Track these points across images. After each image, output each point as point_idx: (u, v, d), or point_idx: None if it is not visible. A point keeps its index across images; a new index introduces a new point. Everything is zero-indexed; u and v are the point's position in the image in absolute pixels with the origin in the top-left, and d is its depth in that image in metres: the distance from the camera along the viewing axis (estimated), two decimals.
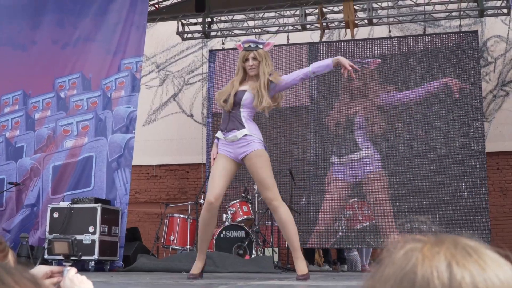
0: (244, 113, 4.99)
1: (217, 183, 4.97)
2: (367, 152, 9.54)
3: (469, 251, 0.64)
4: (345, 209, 9.47)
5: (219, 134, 5.10)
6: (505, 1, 9.92)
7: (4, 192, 8.15)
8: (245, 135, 4.95)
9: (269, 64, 5.02)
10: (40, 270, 1.65)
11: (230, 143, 4.99)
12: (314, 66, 5.10)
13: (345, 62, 5.00)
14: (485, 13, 10.16)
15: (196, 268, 5.15)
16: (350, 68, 4.97)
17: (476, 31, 9.99)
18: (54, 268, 1.67)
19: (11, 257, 1.40)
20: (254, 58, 5.01)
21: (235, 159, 5.01)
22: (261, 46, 5.06)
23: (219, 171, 5.00)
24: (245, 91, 4.99)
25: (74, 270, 1.61)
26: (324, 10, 10.69)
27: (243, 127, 4.97)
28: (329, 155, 9.77)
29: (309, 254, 9.55)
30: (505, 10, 10.09)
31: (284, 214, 4.94)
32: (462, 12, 10.33)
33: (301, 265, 4.94)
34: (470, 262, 0.62)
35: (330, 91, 9.98)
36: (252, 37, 11.25)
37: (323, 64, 5.10)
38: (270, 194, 4.94)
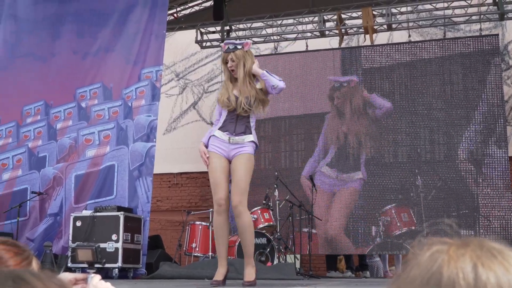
0: (252, 119, 5.09)
1: (221, 185, 5.02)
2: (364, 175, 9.62)
3: (494, 253, 0.64)
4: (382, 216, 9.45)
5: (219, 134, 5.08)
6: None
7: (28, 202, 8.22)
8: (251, 141, 5.03)
9: (248, 63, 5.07)
10: (64, 277, 1.66)
11: (226, 143, 5.02)
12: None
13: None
14: (505, 16, 10.08)
15: (219, 274, 5.14)
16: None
17: (497, 35, 9.93)
18: (78, 275, 1.69)
19: (35, 265, 1.42)
20: (232, 60, 5.08)
21: (227, 157, 5.04)
22: (239, 47, 5.13)
23: (219, 172, 5.02)
24: (247, 97, 5.04)
25: (98, 277, 1.62)
26: (343, 16, 10.68)
27: (250, 133, 5.05)
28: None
29: (331, 261, 9.52)
30: None
31: (247, 221, 5.02)
32: (482, 16, 10.27)
33: (249, 272, 5.05)
34: (495, 263, 0.63)
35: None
36: (271, 44, 11.30)
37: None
38: (240, 197, 4.93)
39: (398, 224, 9.38)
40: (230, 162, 5.05)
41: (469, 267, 0.62)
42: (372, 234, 9.50)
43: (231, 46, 5.15)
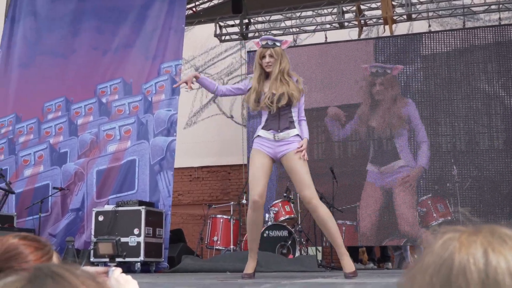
0: (295, 113, 5.06)
1: (259, 181, 4.98)
2: (407, 161, 9.50)
3: (505, 239, 0.65)
4: (419, 207, 9.40)
5: (263, 133, 5.09)
6: None
7: (50, 197, 8.27)
8: (296, 135, 5.00)
9: (286, 61, 5.08)
10: None
11: (272, 141, 5.00)
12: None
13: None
14: None
15: (249, 267, 5.16)
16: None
17: None
18: (99, 269, 1.68)
19: (55, 259, 1.42)
20: (271, 56, 5.05)
21: (273, 156, 5.04)
22: (278, 44, 5.12)
23: (259, 169, 5.01)
24: (283, 93, 5.00)
25: (119, 270, 1.61)
26: (362, 7, 10.62)
27: (294, 127, 5.02)
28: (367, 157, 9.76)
29: (353, 253, 9.50)
30: None
31: (324, 212, 4.95)
32: (501, 5, 10.15)
33: (348, 262, 4.97)
34: (506, 248, 0.63)
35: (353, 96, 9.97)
36: (290, 36, 11.27)
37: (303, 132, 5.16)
38: (309, 192, 4.91)
39: (434, 215, 9.32)
40: (274, 161, 5.08)
41: (480, 252, 0.63)
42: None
43: (270, 42, 5.13)
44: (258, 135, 5.11)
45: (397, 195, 9.46)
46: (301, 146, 4.92)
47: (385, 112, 9.75)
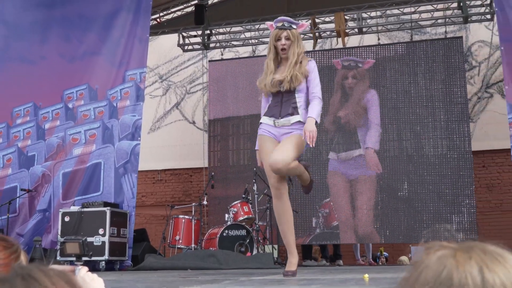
0: (299, 98, 4.52)
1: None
2: (365, 150, 9.58)
3: (496, 257, 0.67)
4: (322, 208, 9.50)
5: (265, 119, 4.60)
6: (488, 7, 9.92)
7: (17, 199, 8.14)
8: (298, 121, 4.48)
9: (301, 45, 4.58)
10: None
11: (273, 127, 4.54)
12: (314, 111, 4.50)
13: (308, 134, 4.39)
14: (469, 19, 10.16)
15: (291, 264, 4.57)
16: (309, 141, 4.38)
17: (461, 37, 10.00)
18: (66, 267, 1.66)
19: (23, 258, 1.40)
20: (287, 38, 4.54)
21: (277, 139, 4.53)
22: (294, 27, 4.60)
23: (269, 148, 4.48)
24: (291, 76, 4.49)
25: (85, 268, 1.60)
26: (317, 20, 10.71)
27: (298, 113, 4.49)
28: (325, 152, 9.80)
29: (306, 251, 9.55)
30: (488, 16, 10.08)
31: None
32: (447, 19, 10.35)
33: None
34: (499, 266, 0.65)
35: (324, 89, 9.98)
36: (249, 47, 11.28)
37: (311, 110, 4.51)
38: (280, 155, 4.31)
39: (336, 216, 9.47)
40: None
41: (476, 270, 0.65)
42: (313, 226, 9.58)
43: (286, 24, 4.59)
44: (261, 122, 4.64)
45: (359, 192, 9.55)
46: (307, 133, 4.29)
47: (353, 103, 9.81)
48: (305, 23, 4.74)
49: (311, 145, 4.32)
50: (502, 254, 0.68)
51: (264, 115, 4.62)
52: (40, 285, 0.68)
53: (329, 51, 10.50)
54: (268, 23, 4.77)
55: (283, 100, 4.55)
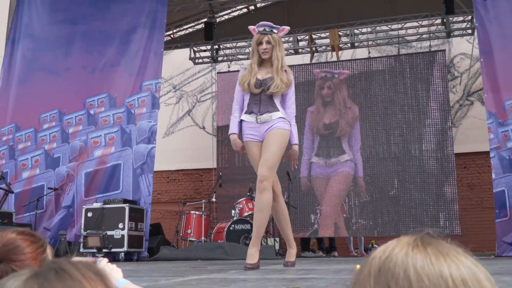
0: (276, 100, 4.34)
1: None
2: (351, 155, 9.53)
3: (440, 249, 0.64)
4: (319, 206, 9.45)
5: (246, 117, 4.37)
6: (469, 23, 9.89)
7: (45, 196, 8.11)
8: (280, 117, 4.29)
9: (282, 49, 4.38)
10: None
11: (255, 123, 4.32)
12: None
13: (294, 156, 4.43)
14: (452, 34, 10.12)
15: (290, 255, 4.50)
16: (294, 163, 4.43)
17: (444, 50, 9.94)
18: (88, 259, 1.64)
19: (49, 251, 1.39)
20: (268, 42, 4.35)
21: (261, 139, 4.33)
22: (275, 31, 4.41)
23: (256, 161, 4.32)
24: (272, 77, 4.33)
25: (105, 260, 1.58)
26: (313, 36, 10.69)
27: (277, 110, 4.31)
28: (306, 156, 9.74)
29: (305, 243, 9.50)
30: (469, 31, 10.05)
31: (268, 199, 4.21)
32: (431, 34, 10.31)
33: (256, 254, 4.29)
34: (441, 259, 0.63)
35: (304, 98, 9.93)
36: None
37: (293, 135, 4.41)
38: (267, 173, 4.16)
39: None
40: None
41: (420, 261, 0.62)
42: (311, 221, 9.52)
43: (267, 29, 4.41)
44: (242, 120, 4.40)
45: (332, 187, 9.50)
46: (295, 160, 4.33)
47: (335, 112, 9.75)
48: (286, 28, 4.50)
49: (295, 167, 4.42)
50: (444, 247, 0.65)
51: (245, 112, 4.39)
52: (71, 277, 0.66)
53: (325, 64, 10.46)
54: (251, 27, 4.57)
55: (262, 99, 4.34)
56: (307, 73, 10.08)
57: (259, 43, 4.38)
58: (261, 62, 4.44)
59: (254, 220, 4.36)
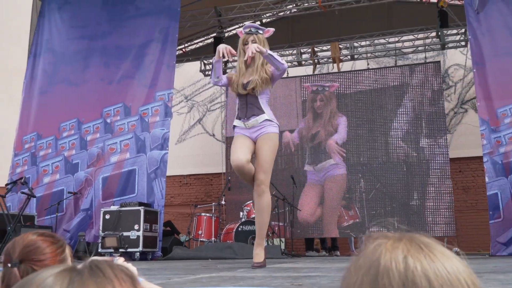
0: (262, 99, 4.24)
1: (239, 150, 4.14)
2: (336, 160, 9.51)
3: (421, 246, 0.62)
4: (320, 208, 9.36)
5: (237, 122, 4.31)
6: (463, 35, 9.85)
7: (65, 200, 8.12)
8: (265, 119, 4.21)
9: (266, 48, 4.17)
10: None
11: (245, 129, 4.25)
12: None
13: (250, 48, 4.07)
14: (446, 46, 10.08)
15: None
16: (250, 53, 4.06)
17: (439, 61, 9.90)
18: (105, 258, 1.63)
19: (68, 251, 1.39)
20: (254, 41, 4.23)
21: (252, 139, 4.25)
22: (261, 32, 4.32)
23: (239, 144, 4.20)
24: (253, 79, 4.21)
25: (122, 259, 1.58)
26: (315, 49, 10.68)
27: (263, 112, 4.21)
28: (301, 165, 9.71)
29: (309, 243, 9.45)
30: (463, 43, 10.00)
31: (265, 201, 4.16)
32: (427, 47, 10.28)
33: (260, 254, 4.20)
34: (422, 255, 0.61)
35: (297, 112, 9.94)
36: None
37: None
38: (263, 176, 4.12)
39: (346, 218, 9.32)
40: (254, 142, 4.23)
41: (401, 257, 0.61)
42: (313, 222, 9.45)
43: (253, 29, 4.31)
44: (234, 125, 4.36)
45: (328, 191, 9.43)
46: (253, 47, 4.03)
47: (324, 123, 9.74)
48: (271, 29, 4.39)
49: (249, 54, 4.03)
50: (428, 244, 0.63)
51: (236, 118, 4.33)
52: (104, 275, 0.64)
53: (326, 75, 10.44)
54: (238, 30, 4.47)
55: (248, 102, 4.24)
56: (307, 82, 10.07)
57: (245, 43, 4.28)
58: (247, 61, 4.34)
59: (256, 222, 4.31)
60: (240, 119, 4.29)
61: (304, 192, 9.51)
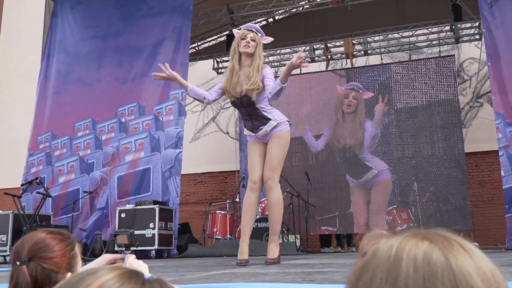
0: (261, 104, 4.19)
1: (256, 166, 4.22)
2: (377, 167, 9.28)
3: (450, 241, 0.56)
4: (386, 215, 9.07)
5: (247, 132, 4.35)
6: (477, 29, 9.76)
7: (80, 199, 8.19)
8: (274, 126, 4.20)
9: (261, 55, 4.21)
10: (105, 257, 1.65)
11: (255, 137, 4.30)
12: (270, 89, 4.08)
13: (294, 61, 3.80)
14: (460, 39, 9.99)
15: (243, 253, 4.21)
16: (299, 60, 3.79)
17: (453, 55, 9.81)
18: (117, 255, 1.67)
19: (77, 249, 1.40)
20: (253, 39, 4.17)
21: (265, 142, 4.28)
22: (260, 34, 4.28)
23: (256, 155, 4.25)
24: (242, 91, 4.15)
25: (133, 256, 1.61)
26: (329, 45, 10.65)
27: (269, 119, 4.20)
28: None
29: (325, 240, 9.44)
30: (477, 36, 9.91)
31: (275, 196, 4.18)
32: (441, 40, 10.19)
33: (274, 249, 4.21)
34: (449, 250, 0.55)
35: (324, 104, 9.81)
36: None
37: (276, 86, 4.03)
38: (271, 173, 4.14)
39: (399, 222, 9.04)
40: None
41: (421, 254, 0.54)
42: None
43: (254, 29, 4.27)
44: (245, 134, 4.44)
45: (373, 195, 9.28)
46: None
47: (353, 127, 9.56)
48: (270, 38, 4.33)
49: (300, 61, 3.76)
50: (460, 242, 0.57)
51: (245, 127, 4.37)
52: None
53: (339, 71, 10.40)
54: (235, 30, 4.43)
55: (249, 114, 4.22)
56: (321, 80, 10.03)
57: (243, 37, 4.18)
58: (240, 59, 4.25)
59: (269, 218, 4.31)
60: (248, 130, 4.32)
61: (352, 194, 9.33)
